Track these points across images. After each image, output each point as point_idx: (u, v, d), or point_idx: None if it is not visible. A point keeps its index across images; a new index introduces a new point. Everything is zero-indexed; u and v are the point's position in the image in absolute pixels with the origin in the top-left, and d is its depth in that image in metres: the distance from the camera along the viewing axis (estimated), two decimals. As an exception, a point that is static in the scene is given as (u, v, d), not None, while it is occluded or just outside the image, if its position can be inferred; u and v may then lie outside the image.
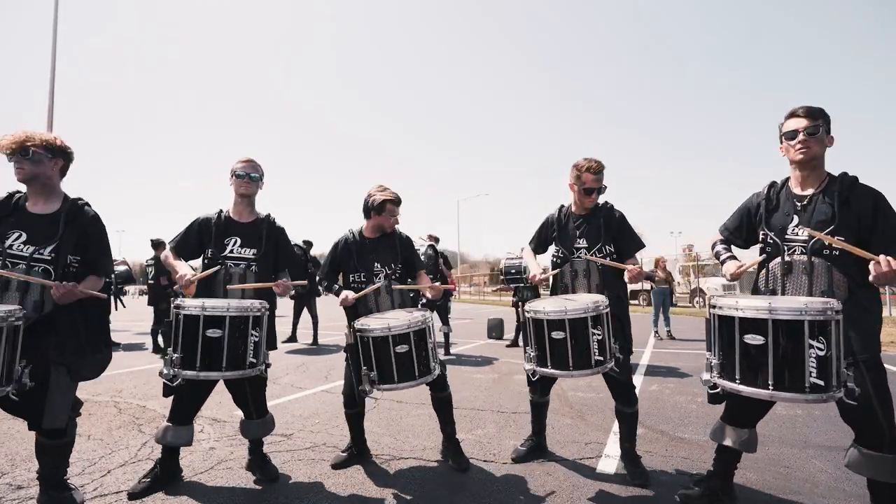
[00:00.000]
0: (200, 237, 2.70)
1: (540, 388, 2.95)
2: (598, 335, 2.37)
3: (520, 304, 8.48)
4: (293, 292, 8.70)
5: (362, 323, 2.50)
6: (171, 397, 2.52)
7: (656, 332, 9.55)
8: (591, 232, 2.78)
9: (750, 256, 2.42)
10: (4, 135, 2.19)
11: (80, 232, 2.24)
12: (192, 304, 2.29)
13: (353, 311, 2.84)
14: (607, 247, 2.76)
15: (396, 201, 2.94)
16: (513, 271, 7.36)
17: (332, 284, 3.03)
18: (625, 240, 2.78)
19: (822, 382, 1.74)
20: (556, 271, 2.85)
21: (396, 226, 3.05)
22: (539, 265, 3.01)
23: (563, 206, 2.97)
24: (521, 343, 8.45)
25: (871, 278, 1.82)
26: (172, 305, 2.33)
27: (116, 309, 10.43)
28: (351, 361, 2.55)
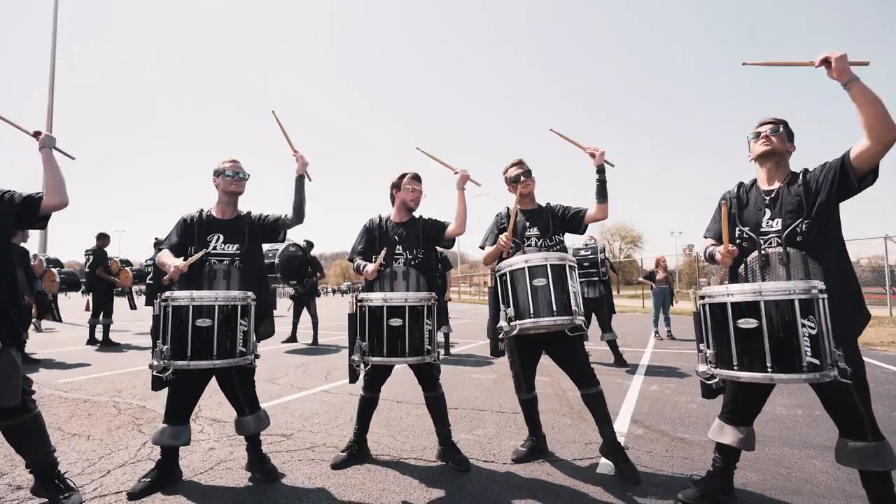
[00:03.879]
0: (184, 235, 2.72)
1: (526, 385, 2.96)
2: (573, 287, 2.54)
3: None
4: (293, 292, 8.69)
5: (364, 293, 2.58)
6: (166, 398, 2.54)
7: (656, 332, 9.55)
8: (541, 223, 2.97)
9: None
10: None
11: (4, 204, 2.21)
12: (180, 295, 2.33)
13: (370, 288, 2.91)
14: (557, 236, 2.95)
15: (414, 176, 3.06)
16: None
17: (360, 263, 3.01)
18: (571, 209, 2.98)
19: (817, 361, 1.79)
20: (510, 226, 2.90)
21: (420, 211, 3.12)
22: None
23: (508, 207, 3.09)
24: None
25: (833, 75, 1.90)
26: (160, 298, 2.34)
27: (134, 308, 10.44)
28: (349, 331, 2.60)
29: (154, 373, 2.31)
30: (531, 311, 2.49)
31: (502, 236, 2.83)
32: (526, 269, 2.52)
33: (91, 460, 2.86)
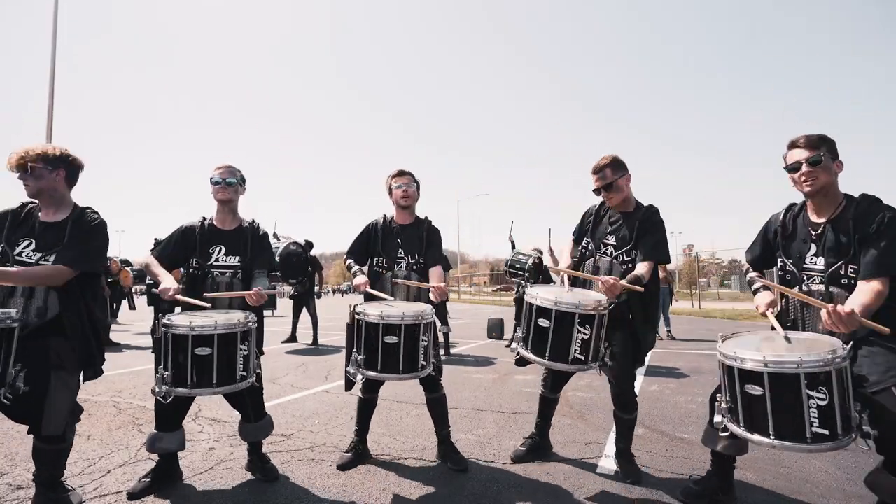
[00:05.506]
0: (184, 246, 2.68)
1: (551, 383, 2.93)
2: (585, 335, 2.30)
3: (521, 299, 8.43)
4: (293, 291, 8.68)
5: (362, 307, 2.52)
6: (155, 405, 2.51)
7: (656, 332, 9.54)
8: (623, 232, 2.68)
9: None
10: (10, 153, 2.23)
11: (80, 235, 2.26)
12: (180, 324, 2.27)
13: (371, 296, 2.84)
14: (636, 251, 2.63)
15: (398, 173, 3.00)
16: (517, 266, 7.31)
17: (352, 265, 2.98)
18: (645, 241, 2.61)
19: (826, 432, 1.70)
20: (567, 272, 2.71)
21: (416, 209, 3.07)
22: (568, 261, 2.87)
23: (605, 202, 2.84)
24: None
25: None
26: (160, 323, 2.31)
27: (133, 308, 10.43)
28: (346, 342, 2.57)
29: (157, 397, 2.31)
30: (529, 346, 2.40)
31: (560, 269, 2.69)
32: (534, 307, 2.38)
33: (91, 460, 2.86)
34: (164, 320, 2.30)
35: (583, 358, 2.31)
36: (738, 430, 1.87)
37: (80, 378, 2.25)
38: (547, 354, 2.34)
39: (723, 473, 2.33)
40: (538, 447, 2.99)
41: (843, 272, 1.97)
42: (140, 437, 3.28)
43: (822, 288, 2.01)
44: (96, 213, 2.37)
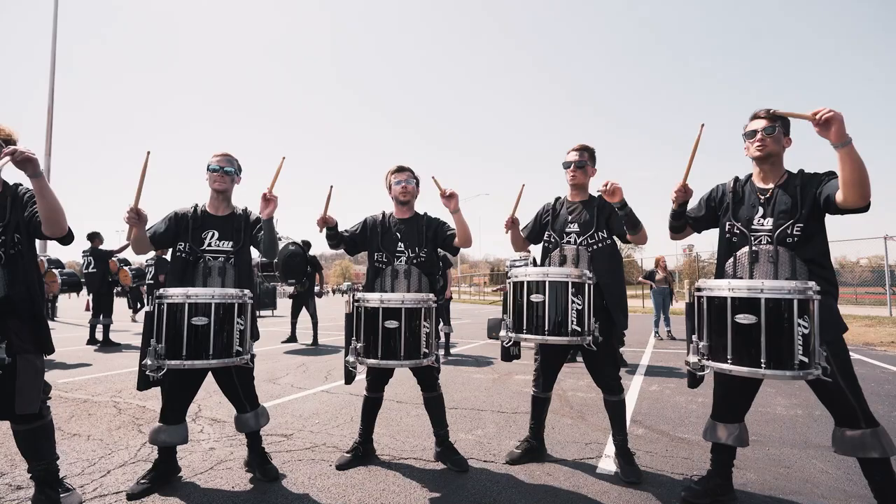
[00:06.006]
0: (176, 229, 2.67)
1: (542, 382, 2.93)
2: (579, 305, 2.38)
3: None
4: (293, 291, 8.68)
5: (361, 293, 2.52)
6: (162, 396, 2.53)
7: (656, 332, 9.56)
8: (585, 217, 2.81)
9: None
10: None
11: (21, 208, 2.20)
12: (175, 293, 2.28)
13: (371, 288, 2.88)
14: (600, 233, 2.76)
15: (396, 169, 3.01)
16: None
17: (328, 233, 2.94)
18: (616, 218, 2.70)
19: (806, 360, 1.84)
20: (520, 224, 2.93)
21: (416, 205, 3.07)
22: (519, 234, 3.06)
23: (559, 197, 3.02)
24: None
25: (829, 136, 1.89)
26: (154, 296, 2.30)
27: (142, 306, 10.40)
28: (345, 331, 2.56)
29: (147, 372, 2.26)
30: (524, 327, 2.43)
31: (508, 220, 2.87)
32: (525, 283, 2.45)
33: (91, 460, 2.86)
34: (159, 291, 2.29)
35: (580, 329, 2.39)
36: (723, 366, 1.94)
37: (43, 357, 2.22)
38: (546, 330, 2.38)
39: (723, 471, 2.34)
40: (533, 450, 2.96)
41: (790, 231, 2.13)
42: (140, 437, 3.28)
43: (769, 248, 2.16)
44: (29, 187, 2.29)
